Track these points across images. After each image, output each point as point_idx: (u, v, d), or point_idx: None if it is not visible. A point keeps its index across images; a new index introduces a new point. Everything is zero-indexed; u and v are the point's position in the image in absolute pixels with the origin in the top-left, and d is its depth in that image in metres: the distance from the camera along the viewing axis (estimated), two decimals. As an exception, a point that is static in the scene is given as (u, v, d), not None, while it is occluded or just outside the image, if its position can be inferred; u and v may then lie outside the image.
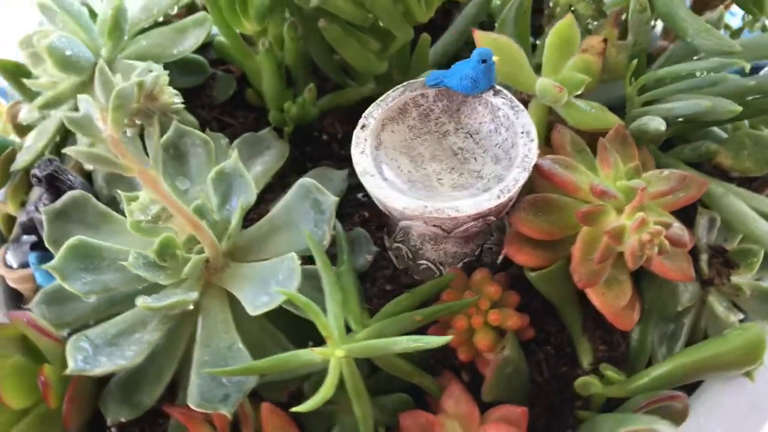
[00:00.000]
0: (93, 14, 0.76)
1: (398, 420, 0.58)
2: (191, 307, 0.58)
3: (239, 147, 0.70)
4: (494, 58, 0.57)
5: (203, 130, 0.68)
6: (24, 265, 0.74)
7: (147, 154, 0.52)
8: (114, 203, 0.68)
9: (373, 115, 0.59)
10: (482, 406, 0.59)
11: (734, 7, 0.74)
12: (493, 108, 0.59)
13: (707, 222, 0.66)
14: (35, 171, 0.66)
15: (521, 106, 0.58)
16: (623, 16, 0.72)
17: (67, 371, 0.54)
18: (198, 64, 0.76)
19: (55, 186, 0.67)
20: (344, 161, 0.75)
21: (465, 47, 0.88)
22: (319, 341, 0.58)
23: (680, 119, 0.68)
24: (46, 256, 0.70)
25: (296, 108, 0.71)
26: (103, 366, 0.55)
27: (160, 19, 0.76)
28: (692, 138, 0.73)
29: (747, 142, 0.67)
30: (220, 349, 0.57)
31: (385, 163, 0.57)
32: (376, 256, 0.66)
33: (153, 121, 0.51)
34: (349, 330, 0.57)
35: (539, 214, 0.58)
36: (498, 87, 0.59)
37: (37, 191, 0.75)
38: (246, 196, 0.60)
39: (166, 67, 0.66)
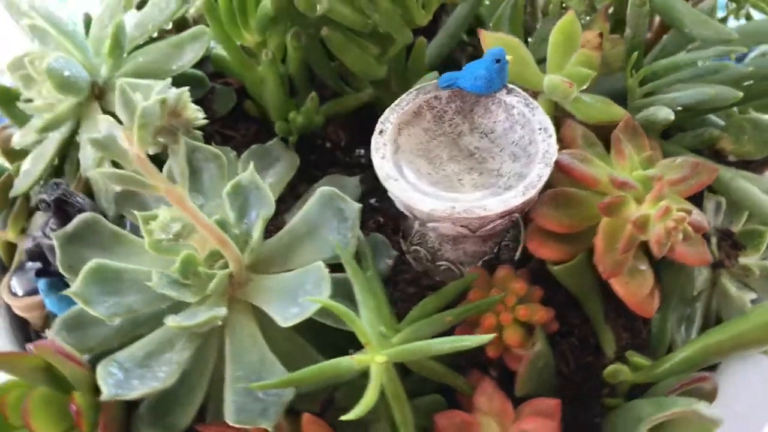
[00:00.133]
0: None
1: (433, 422, 0.58)
2: (219, 323, 0.57)
3: (248, 159, 0.69)
4: (508, 57, 0.57)
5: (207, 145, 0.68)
6: (31, 292, 0.72)
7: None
8: (120, 223, 0.67)
9: (389, 119, 0.59)
10: (514, 401, 0.60)
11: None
12: (507, 106, 0.59)
13: (714, 206, 0.67)
14: (43, 195, 0.65)
15: (536, 103, 0.59)
16: (610, 10, 0.74)
17: (102, 397, 0.53)
18: (197, 79, 0.75)
19: (63, 210, 0.66)
20: (351, 168, 0.75)
21: (457, 48, 0.89)
22: (343, 349, 0.58)
23: (679, 108, 0.69)
24: (55, 282, 0.69)
25: (302, 117, 0.71)
26: (136, 389, 0.54)
27: (155, 35, 0.76)
28: (688, 126, 0.75)
29: (746, 126, 0.69)
30: (252, 363, 0.57)
31: (405, 167, 0.58)
32: (396, 260, 0.66)
33: (177, 138, 0.51)
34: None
35: (560, 209, 0.59)
36: (511, 86, 0.60)
37: (40, 216, 0.74)
38: (267, 208, 0.59)
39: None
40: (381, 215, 0.70)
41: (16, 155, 0.81)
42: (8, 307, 0.75)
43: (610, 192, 0.59)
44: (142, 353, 0.57)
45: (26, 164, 0.76)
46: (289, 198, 0.69)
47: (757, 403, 0.62)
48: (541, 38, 0.81)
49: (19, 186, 0.74)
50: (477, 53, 0.91)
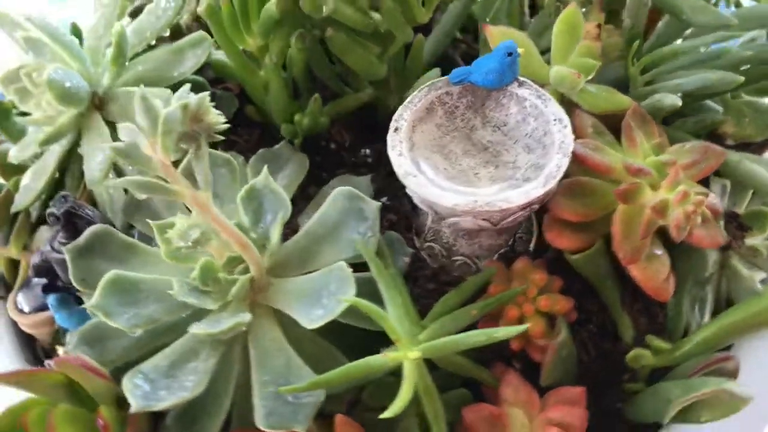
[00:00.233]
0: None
1: (460, 416, 0.58)
2: (243, 329, 0.57)
3: (257, 164, 0.69)
4: (519, 50, 0.58)
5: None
6: (38, 308, 0.71)
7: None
8: (128, 234, 0.66)
9: (403, 117, 0.59)
10: (538, 391, 0.60)
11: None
12: (519, 99, 0.60)
13: (720, 189, 0.69)
14: (52, 209, 0.64)
15: (548, 95, 0.59)
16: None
17: (132, 410, 0.52)
18: (199, 85, 0.75)
19: (71, 223, 0.65)
20: (358, 168, 0.75)
21: (450, 45, 0.89)
22: (366, 349, 0.58)
23: (679, 94, 0.71)
24: (65, 297, 0.68)
25: (308, 119, 0.71)
26: (165, 400, 0.53)
27: (153, 42, 0.75)
28: (687, 112, 0.76)
29: (746, 110, 0.70)
30: (278, 367, 0.57)
31: (422, 163, 0.58)
32: (411, 258, 0.66)
33: (200, 144, 0.50)
34: (405, 332, 0.57)
35: (575, 198, 0.60)
36: (522, 78, 0.60)
37: (45, 231, 0.73)
38: (284, 210, 0.59)
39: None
40: (393, 213, 0.70)
41: (11, 171, 0.80)
42: (13, 324, 0.74)
43: (623, 179, 0.59)
44: (167, 363, 0.56)
45: (26, 179, 0.75)
46: (301, 200, 0.69)
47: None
48: (535, 32, 0.82)
49: (21, 201, 0.72)
50: (470, 50, 0.92)
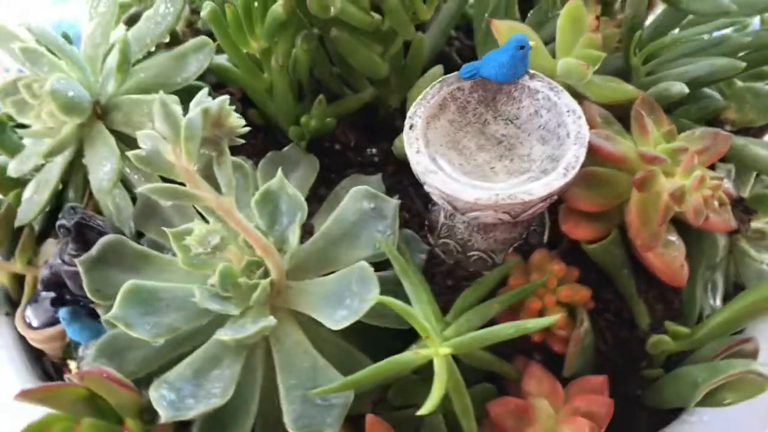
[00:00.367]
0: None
1: (485, 410, 0.58)
2: (266, 333, 0.56)
3: (266, 167, 0.68)
4: (531, 43, 0.58)
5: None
6: (48, 323, 0.70)
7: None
8: (138, 243, 0.66)
9: (417, 114, 0.59)
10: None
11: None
12: (531, 92, 0.60)
13: (725, 174, 0.69)
14: (62, 221, 0.62)
15: (560, 87, 0.60)
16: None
17: (161, 420, 0.51)
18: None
19: (81, 234, 0.64)
20: (365, 167, 0.75)
21: (446, 43, 0.89)
22: (387, 349, 0.58)
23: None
24: (76, 311, 0.67)
25: (315, 121, 0.71)
26: (194, 408, 0.53)
27: (152, 49, 0.74)
28: (687, 99, 0.77)
29: (747, 95, 0.71)
30: (305, 370, 0.56)
31: (439, 160, 0.58)
32: (427, 255, 0.66)
33: (222, 148, 0.50)
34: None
35: (591, 188, 0.60)
36: (533, 71, 0.61)
37: (51, 244, 0.72)
38: (301, 212, 0.59)
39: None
40: (405, 211, 0.70)
41: (9, 185, 0.79)
42: (22, 339, 0.72)
43: (637, 168, 0.60)
44: (191, 371, 0.56)
45: (28, 192, 0.74)
46: (313, 201, 0.68)
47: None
48: (532, 26, 0.83)
49: (25, 215, 0.71)
50: (464, 46, 0.93)
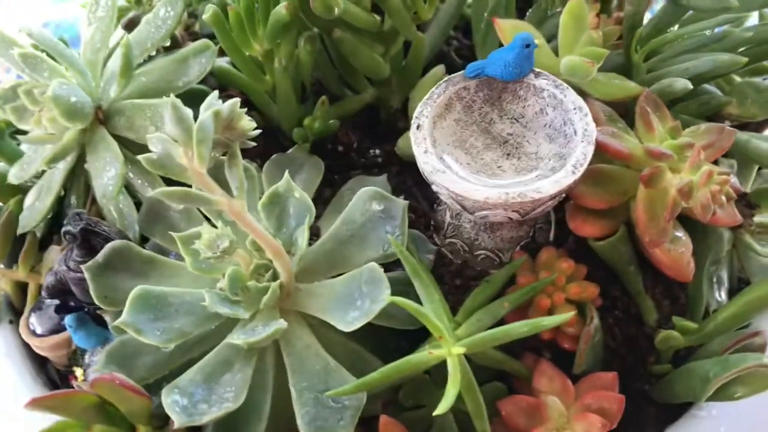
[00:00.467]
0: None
1: (496, 409, 0.58)
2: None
3: (271, 169, 0.68)
4: (537, 42, 0.58)
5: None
6: (53, 330, 0.69)
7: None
8: (141, 247, 0.65)
9: (424, 113, 0.59)
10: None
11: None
12: (537, 90, 0.60)
13: (727, 169, 0.70)
14: (68, 228, 0.62)
15: (565, 85, 0.60)
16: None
17: (175, 426, 0.51)
18: (205, 94, 0.73)
19: (86, 240, 0.63)
20: (369, 168, 0.75)
21: (444, 42, 0.90)
22: (395, 350, 0.58)
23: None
24: (82, 317, 0.66)
25: (319, 122, 0.70)
26: (207, 413, 0.52)
27: (153, 53, 0.74)
28: (685, 96, 0.77)
29: (748, 90, 0.72)
30: (316, 372, 0.56)
31: (447, 159, 0.58)
32: (435, 254, 0.66)
33: (234, 151, 0.49)
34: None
35: (598, 185, 0.60)
36: (538, 69, 0.61)
37: (54, 251, 0.71)
38: (309, 214, 0.58)
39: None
40: (410, 212, 0.69)
41: (9, 192, 0.78)
42: (26, 347, 0.72)
43: (643, 164, 0.60)
44: (202, 376, 0.56)
45: (30, 199, 0.73)
46: (318, 203, 0.68)
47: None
48: (532, 24, 0.83)
49: (28, 222, 0.71)
50: (462, 46, 0.93)
